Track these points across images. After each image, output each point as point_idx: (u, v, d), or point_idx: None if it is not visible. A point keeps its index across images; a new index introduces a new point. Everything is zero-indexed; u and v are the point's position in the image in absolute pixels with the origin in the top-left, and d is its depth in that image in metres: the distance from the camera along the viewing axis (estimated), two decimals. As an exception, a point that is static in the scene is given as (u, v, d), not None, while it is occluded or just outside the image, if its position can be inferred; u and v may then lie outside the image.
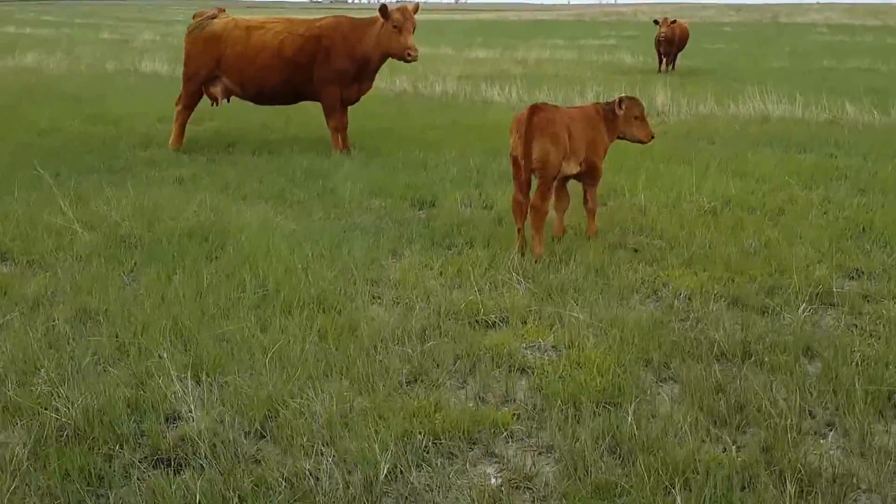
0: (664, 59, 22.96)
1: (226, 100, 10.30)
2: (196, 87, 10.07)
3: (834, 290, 5.51)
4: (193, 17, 10.44)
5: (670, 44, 22.58)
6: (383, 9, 9.52)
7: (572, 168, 6.48)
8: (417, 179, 8.44)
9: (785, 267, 5.95)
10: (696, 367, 4.33)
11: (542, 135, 6.10)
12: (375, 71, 10.08)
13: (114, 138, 10.44)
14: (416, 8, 9.84)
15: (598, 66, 24.80)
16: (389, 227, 6.85)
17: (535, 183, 6.23)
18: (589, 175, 6.68)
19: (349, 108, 10.22)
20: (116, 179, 8.15)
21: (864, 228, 6.99)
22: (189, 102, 10.18)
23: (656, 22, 22.83)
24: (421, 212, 7.46)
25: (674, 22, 22.53)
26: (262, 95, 10.09)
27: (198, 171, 8.61)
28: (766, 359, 4.44)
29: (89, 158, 9.11)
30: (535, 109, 6.19)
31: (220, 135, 11.11)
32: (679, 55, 23.70)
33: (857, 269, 6.02)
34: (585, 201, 6.85)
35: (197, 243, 6.06)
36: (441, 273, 5.75)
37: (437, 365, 4.35)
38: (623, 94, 7.06)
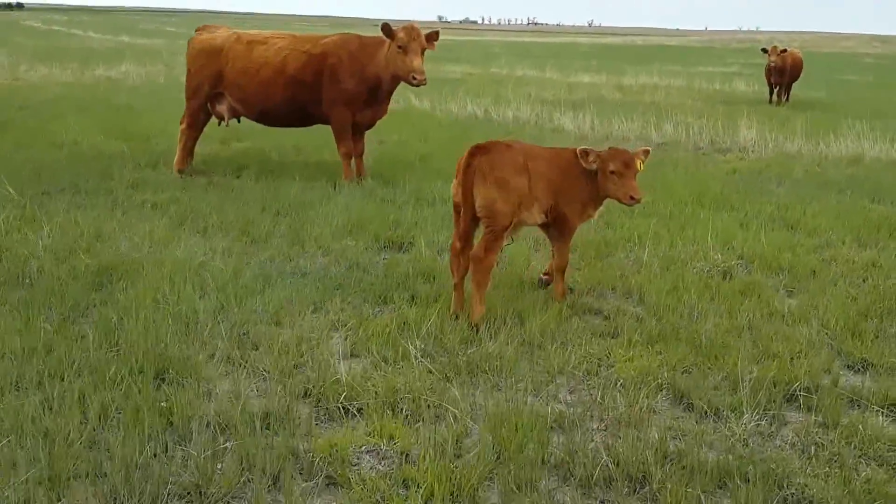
0: (775, 90, 21.28)
1: (236, 119, 9.83)
2: (199, 105, 9.61)
3: (819, 388, 4.39)
4: (196, 31, 10.01)
5: (781, 74, 20.91)
6: (386, 28, 8.79)
7: (535, 217, 5.55)
8: (407, 217, 7.66)
9: (773, 352, 4.84)
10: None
11: (485, 180, 5.25)
12: (390, 94, 9.34)
13: (122, 156, 10.12)
14: (435, 35, 9.04)
15: (704, 95, 23.32)
16: (337, 273, 6.10)
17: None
18: (556, 228, 5.70)
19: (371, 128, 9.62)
20: (83, 201, 7.77)
21: (899, 303, 5.74)
22: (193, 121, 9.70)
23: (765, 50, 21.18)
24: (386, 256, 6.67)
25: (784, 51, 20.80)
26: (266, 115, 9.52)
27: (175, 197, 8.10)
28: (667, 488, 3.41)
29: (71, 177, 8.76)
30: (476, 150, 5.33)
31: (240, 156, 10.66)
32: (794, 85, 22.06)
33: (865, 362, 4.84)
34: (552, 255, 5.89)
35: (88, 288, 5.48)
36: (346, 337, 4.95)
37: (229, 475, 3.49)
38: (609, 146, 5.77)
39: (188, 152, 9.70)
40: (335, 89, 9.09)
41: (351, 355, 4.76)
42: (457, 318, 5.25)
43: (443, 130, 13.63)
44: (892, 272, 6.46)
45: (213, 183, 8.96)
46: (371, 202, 8.26)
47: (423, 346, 4.76)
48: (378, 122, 9.73)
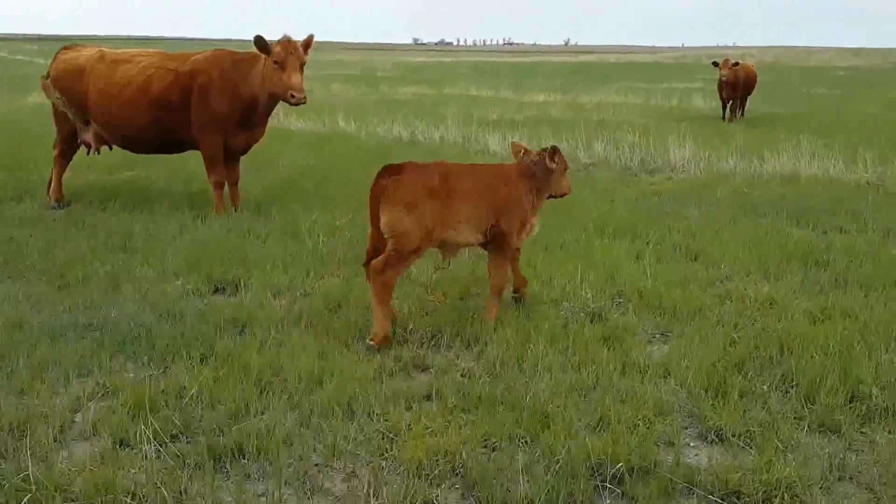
0: (728, 105, 20.58)
1: (107, 146, 8.96)
2: (69, 130, 8.78)
3: (654, 468, 3.54)
4: (61, 50, 9.13)
5: (733, 88, 20.21)
6: (259, 42, 7.92)
7: (467, 237, 5.29)
8: (262, 253, 6.81)
9: (609, 419, 4.00)
10: None
11: (392, 202, 4.96)
12: (267, 115, 8.50)
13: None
14: (309, 42, 8.19)
15: (658, 112, 22.63)
16: (140, 323, 5.22)
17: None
18: (495, 246, 5.40)
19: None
20: None
21: (783, 349, 4.90)
22: (63, 148, 8.87)
23: (716, 64, 20.53)
24: (204, 300, 5.81)
25: (736, 64, 20.15)
26: (130, 141, 8.64)
27: (9, 235, 7.24)
28: None
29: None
30: (385, 171, 5.05)
31: (120, 186, 9.77)
32: (752, 99, 21.44)
33: (720, 431, 3.98)
34: (489, 273, 5.48)
35: None
36: (92, 411, 4.07)
37: None
38: (549, 144, 5.75)
39: (59, 180, 8.84)
40: (205, 111, 8.23)
41: (91, 435, 3.88)
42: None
43: (358, 154, 12.80)
44: (788, 310, 5.64)
45: (69, 217, 8.10)
46: (228, 236, 7.40)
47: (180, 420, 3.89)
48: (256, 146, 8.89)
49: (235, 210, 8.45)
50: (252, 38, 7.94)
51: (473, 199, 5.21)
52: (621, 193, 10.19)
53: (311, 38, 8.22)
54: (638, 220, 8.40)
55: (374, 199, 5.05)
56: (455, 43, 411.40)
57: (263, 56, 8.00)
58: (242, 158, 8.85)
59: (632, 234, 7.84)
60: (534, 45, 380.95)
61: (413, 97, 27.24)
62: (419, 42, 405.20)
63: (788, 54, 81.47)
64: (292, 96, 7.86)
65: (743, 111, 21.36)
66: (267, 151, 11.25)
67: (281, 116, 16.81)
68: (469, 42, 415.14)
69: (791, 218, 8.67)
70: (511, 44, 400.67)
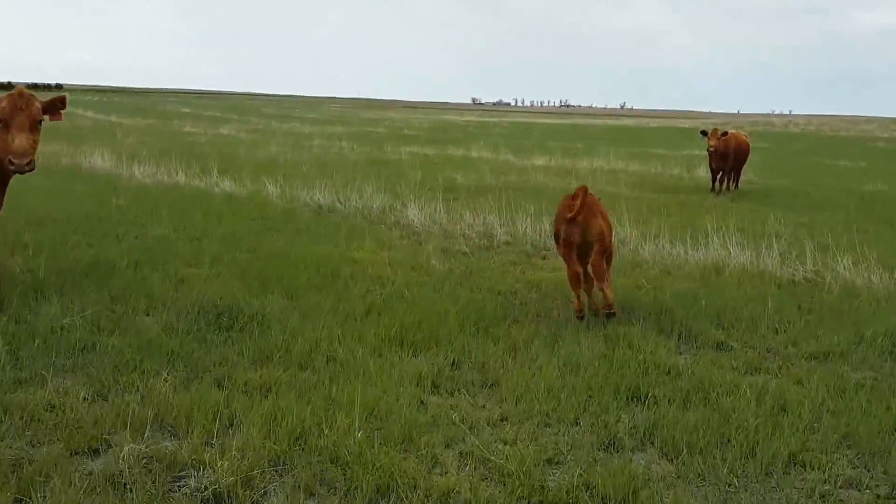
0: (718, 177, 18.82)
1: None
2: None
3: None
4: None
5: (723, 159, 18.51)
6: None
7: None
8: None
9: None
10: None
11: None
12: (3, 184, 7.06)
13: None
14: (60, 100, 6.78)
15: (650, 181, 21.01)
16: None
17: None
18: None
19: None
20: None
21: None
22: None
23: (704, 133, 18.84)
24: None
25: (725, 134, 18.49)
26: None
27: None
28: None
29: None
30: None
31: None
32: (750, 170, 19.65)
33: None
34: None
35: None
36: None
37: None
38: None
39: None
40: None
41: None
42: None
43: (237, 222, 11.49)
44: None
45: None
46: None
47: None
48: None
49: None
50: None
51: None
52: (497, 282, 8.59)
53: (63, 98, 6.87)
54: (467, 321, 6.80)
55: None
56: (513, 103, 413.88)
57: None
58: None
59: (445, 348, 6.24)
60: (590, 107, 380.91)
61: (405, 157, 26.05)
62: (478, 102, 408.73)
63: (833, 123, 78.92)
64: (11, 163, 6.42)
65: (737, 183, 19.61)
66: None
67: (215, 176, 15.72)
68: (527, 103, 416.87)
69: (676, 325, 6.99)
70: (568, 105, 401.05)
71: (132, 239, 9.94)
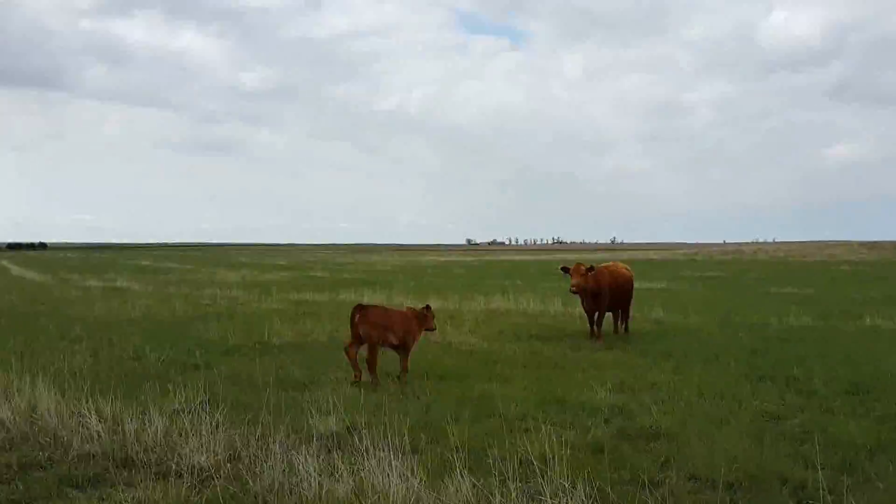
0: (595, 319, 15.70)
1: None
2: None
3: None
4: None
5: (594, 298, 15.45)
6: None
7: None
8: None
9: None
10: None
11: None
12: None
13: None
14: None
15: (536, 322, 17.96)
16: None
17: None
18: None
19: None
20: None
21: None
22: None
23: (565, 270, 15.89)
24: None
25: (591, 269, 15.40)
26: None
27: None
28: None
29: None
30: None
31: None
32: (630, 307, 16.62)
33: None
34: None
35: None
36: None
37: None
38: None
39: None
40: None
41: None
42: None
43: None
44: None
45: None
46: None
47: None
48: None
49: None
50: None
51: None
52: None
53: None
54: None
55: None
56: (507, 242, 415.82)
57: None
58: None
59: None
60: (582, 242, 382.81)
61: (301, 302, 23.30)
62: (472, 242, 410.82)
63: (804, 249, 76.73)
64: None
65: (625, 324, 16.53)
66: None
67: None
68: (521, 241, 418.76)
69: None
70: (560, 242, 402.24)
71: None
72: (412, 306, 11.50)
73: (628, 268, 16.99)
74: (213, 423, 7.37)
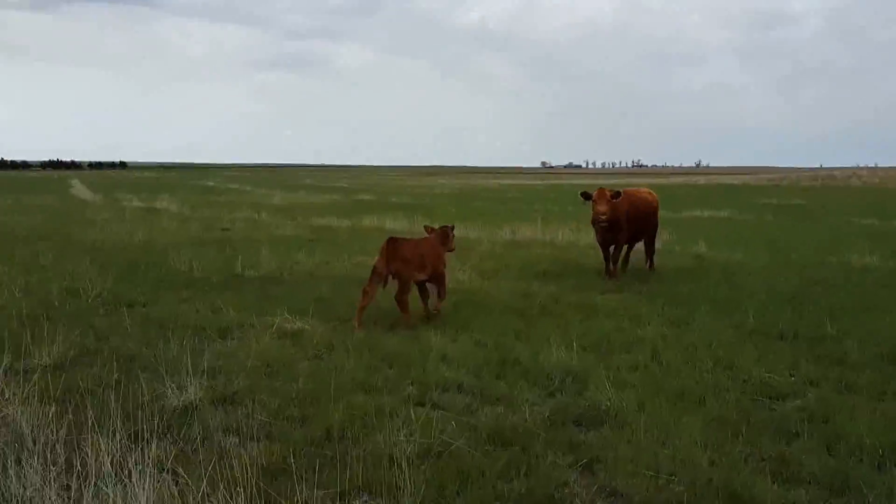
0: (612, 253, 13.54)
1: None
2: None
3: None
4: None
5: (613, 229, 13.19)
6: None
7: None
8: None
9: None
10: None
11: None
12: None
13: None
14: None
15: (552, 259, 15.94)
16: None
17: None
18: None
19: None
20: None
21: None
22: None
23: (586, 196, 13.67)
24: None
25: (617, 195, 13.14)
26: None
27: None
28: None
29: None
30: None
31: None
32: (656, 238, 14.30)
33: None
34: None
35: None
36: None
37: None
38: None
39: None
40: None
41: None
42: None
43: None
44: None
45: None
46: None
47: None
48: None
49: None
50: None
51: None
52: None
53: None
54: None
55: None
56: (584, 165, 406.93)
57: None
58: None
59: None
60: (663, 166, 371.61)
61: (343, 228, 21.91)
62: (548, 165, 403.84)
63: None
64: None
65: (651, 260, 14.35)
66: None
67: None
68: (598, 164, 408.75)
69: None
70: (640, 166, 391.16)
71: None
72: (431, 225, 10.88)
73: (652, 192, 14.70)
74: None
